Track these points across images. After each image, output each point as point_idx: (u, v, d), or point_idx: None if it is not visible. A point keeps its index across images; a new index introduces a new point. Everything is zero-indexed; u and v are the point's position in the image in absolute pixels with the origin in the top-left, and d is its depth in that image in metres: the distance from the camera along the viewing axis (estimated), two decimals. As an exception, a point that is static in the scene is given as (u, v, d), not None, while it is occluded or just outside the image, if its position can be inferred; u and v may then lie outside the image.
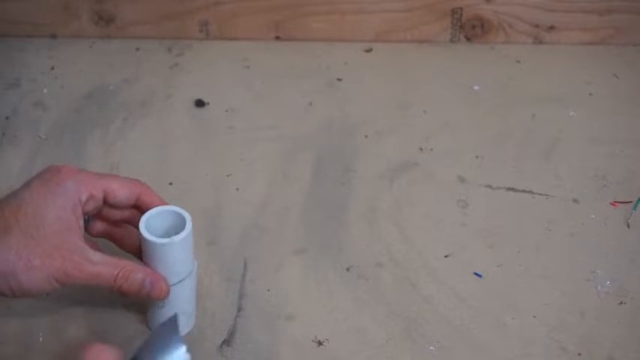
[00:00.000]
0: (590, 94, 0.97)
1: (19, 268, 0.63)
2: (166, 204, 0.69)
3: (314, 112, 0.95)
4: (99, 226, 0.71)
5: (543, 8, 1.01)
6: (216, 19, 1.03)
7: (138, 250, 0.69)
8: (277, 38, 1.04)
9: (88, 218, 0.70)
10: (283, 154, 0.89)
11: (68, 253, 0.64)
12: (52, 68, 1.00)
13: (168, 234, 0.67)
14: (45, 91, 0.97)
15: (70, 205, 0.66)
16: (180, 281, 0.67)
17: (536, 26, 1.02)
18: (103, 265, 0.65)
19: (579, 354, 0.70)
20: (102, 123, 0.92)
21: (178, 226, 0.67)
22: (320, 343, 0.71)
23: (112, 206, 0.69)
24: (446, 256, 0.78)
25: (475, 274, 0.77)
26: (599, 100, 0.96)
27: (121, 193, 0.68)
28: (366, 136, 0.91)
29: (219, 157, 0.89)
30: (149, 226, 0.66)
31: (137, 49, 1.03)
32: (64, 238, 0.65)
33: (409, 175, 0.87)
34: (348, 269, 0.77)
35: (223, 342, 0.71)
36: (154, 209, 0.68)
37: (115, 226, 0.71)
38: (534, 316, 0.73)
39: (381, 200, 0.84)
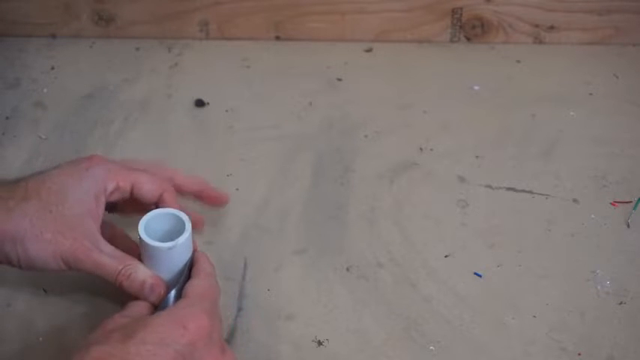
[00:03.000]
0: (590, 94, 0.97)
1: (30, 236, 0.64)
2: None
3: (314, 112, 0.95)
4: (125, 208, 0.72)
5: (543, 8, 1.01)
6: (216, 19, 1.03)
7: None
8: (277, 38, 1.04)
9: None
10: (283, 154, 0.89)
11: (80, 237, 0.65)
12: (52, 68, 1.00)
13: (167, 236, 0.67)
14: (45, 91, 0.97)
15: (94, 191, 0.67)
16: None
17: (536, 26, 1.02)
18: (110, 258, 0.66)
19: (579, 354, 0.70)
20: (102, 123, 0.92)
21: (178, 229, 0.67)
22: (320, 343, 0.71)
23: (137, 201, 0.70)
24: (446, 256, 0.78)
25: (475, 274, 0.77)
26: (599, 100, 0.96)
27: (148, 188, 0.69)
28: (366, 136, 0.91)
29: (219, 157, 0.89)
30: (148, 228, 0.66)
31: (137, 49, 1.03)
32: (81, 221, 0.65)
33: (409, 175, 0.87)
34: (348, 269, 0.77)
35: (223, 342, 0.71)
36: (152, 212, 0.68)
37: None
38: (534, 316, 0.73)
39: (381, 200, 0.84)
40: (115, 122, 0.93)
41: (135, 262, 0.67)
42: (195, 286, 0.64)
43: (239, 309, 0.73)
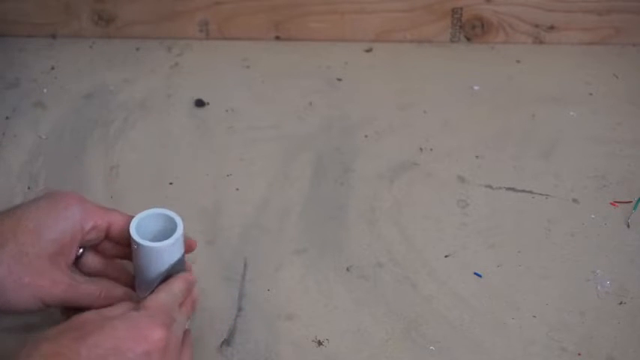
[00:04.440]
0: (590, 94, 0.97)
1: (8, 284, 0.63)
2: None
3: (314, 112, 0.95)
4: (94, 260, 0.70)
5: (543, 8, 1.01)
6: (216, 19, 1.03)
7: (132, 286, 0.70)
8: (277, 38, 1.04)
9: (82, 251, 0.69)
10: (283, 154, 0.89)
11: (59, 276, 0.65)
12: (52, 68, 1.00)
13: (159, 236, 0.67)
14: (45, 91, 0.97)
15: (70, 231, 0.66)
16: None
17: (536, 26, 1.02)
18: (87, 284, 0.66)
19: (579, 354, 0.70)
20: (102, 123, 0.92)
21: (169, 230, 0.67)
22: (320, 343, 0.71)
23: (112, 240, 0.69)
24: (446, 256, 0.78)
25: (475, 274, 0.77)
26: (599, 100, 0.96)
27: (124, 228, 0.68)
28: (366, 136, 0.91)
29: (219, 157, 0.89)
30: (140, 228, 0.66)
31: (137, 49, 1.03)
32: (56, 261, 0.65)
33: (409, 175, 0.87)
34: (348, 269, 0.77)
35: (223, 342, 0.71)
36: (144, 212, 0.68)
37: (109, 261, 0.71)
38: (534, 316, 0.73)
39: (381, 200, 0.84)
40: (115, 122, 0.93)
41: (110, 284, 0.67)
42: (155, 299, 0.64)
43: (239, 309, 0.73)
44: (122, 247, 0.70)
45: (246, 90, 0.97)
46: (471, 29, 1.03)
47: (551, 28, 1.03)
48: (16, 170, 0.86)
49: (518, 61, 1.01)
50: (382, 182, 0.86)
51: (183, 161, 0.88)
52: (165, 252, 0.66)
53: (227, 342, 0.71)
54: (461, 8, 1.01)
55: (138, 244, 0.65)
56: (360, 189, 0.85)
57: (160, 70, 1.00)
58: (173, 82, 0.98)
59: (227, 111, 0.94)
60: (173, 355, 0.61)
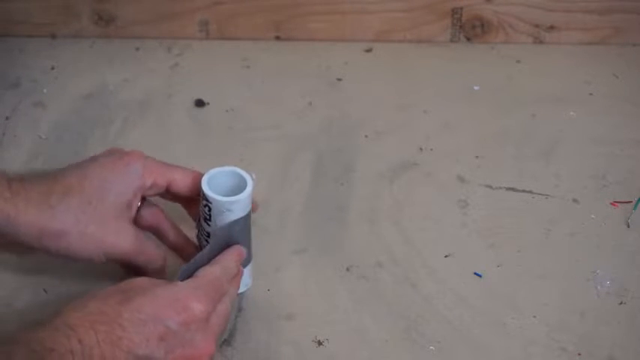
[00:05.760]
0: (590, 94, 0.97)
1: (74, 230, 0.66)
2: None
3: (314, 112, 0.95)
4: (150, 214, 0.72)
5: (543, 8, 1.01)
6: (216, 19, 1.03)
7: (178, 248, 0.73)
8: (277, 38, 1.04)
9: (140, 204, 0.72)
10: (283, 154, 0.89)
11: (122, 229, 0.67)
12: (52, 68, 1.00)
13: (228, 194, 0.69)
14: (45, 91, 0.97)
15: (133, 187, 0.69)
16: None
17: (536, 26, 1.02)
18: (154, 246, 0.69)
19: (579, 354, 0.70)
20: (102, 123, 0.92)
21: (240, 186, 0.69)
22: (320, 343, 0.71)
23: (172, 195, 0.72)
24: (446, 256, 0.78)
25: (475, 274, 0.77)
26: (599, 100, 0.96)
27: (183, 184, 0.71)
28: (366, 136, 0.91)
29: (219, 157, 0.89)
30: (211, 183, 0.69)
31: (137, 49, 1.03)
32: (121, 214, 0.68)
33: (409, 175, 0.87)
34: (348, 269, 0.77)
35: (223, 342, 0.71)
36: (214, 169, 0.70)
37: (163, 217, 0.73)
38: (534, 316, 0.73)
39: (381, 200, 0.84)
40: (115, 122, 0.93)
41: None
42: (209, 271, 0.65)
43: (239, 309, 0.73)
44: (180, 199, 0.73)
45: (246, 90, 0.97)
46: (471, 29, 1.03)
47: (551, 28, 1.03)
48: (16, 171, 0.86)
49: (518, 61, 1.02)
50: (382, 182, 0.86)
51: (184, 161, 0.88)
52: (236, 206, 0.68)
53: (227, 342, 0.71)
54: (461, 8, 1.01)
55: (211, 199, 0.68)
56: (360, 189, 0.85)
57: (160, 70, 1.00)
58: (173, 82, 0.98)
59: (227, 111, 0.94)
60: (216, 328, 0.63)
